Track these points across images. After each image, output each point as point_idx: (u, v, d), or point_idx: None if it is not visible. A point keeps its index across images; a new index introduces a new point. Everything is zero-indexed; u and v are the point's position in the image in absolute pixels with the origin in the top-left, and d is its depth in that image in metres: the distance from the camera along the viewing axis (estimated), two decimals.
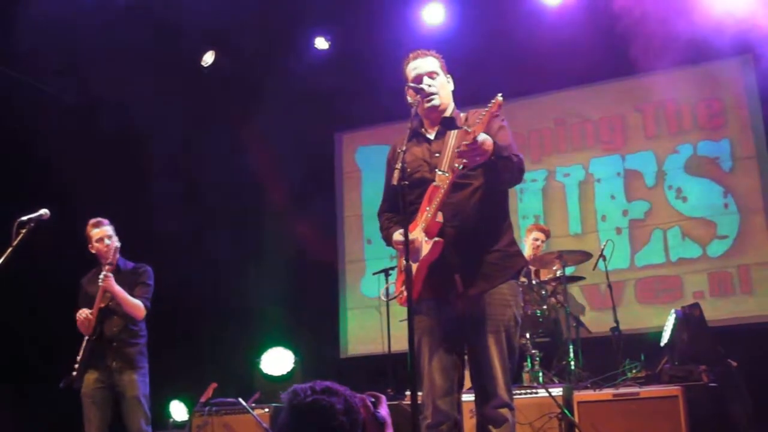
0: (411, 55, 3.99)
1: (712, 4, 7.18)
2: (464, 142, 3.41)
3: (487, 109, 3.48)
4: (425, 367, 3.71)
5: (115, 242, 5.79)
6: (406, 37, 8.14)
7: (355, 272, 9.41)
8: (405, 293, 3.75)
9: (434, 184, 3.70)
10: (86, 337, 5.62)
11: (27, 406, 7.65)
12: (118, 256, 5.78)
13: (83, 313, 5.60)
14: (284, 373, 7.68)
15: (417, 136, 3.94)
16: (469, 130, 3.42)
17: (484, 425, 3.69)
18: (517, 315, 3.78)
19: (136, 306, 5.69)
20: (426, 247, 3.64)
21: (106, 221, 5.85)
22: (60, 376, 5.64)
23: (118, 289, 5.61)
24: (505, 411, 3.66)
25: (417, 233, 3.72)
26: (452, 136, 3.79)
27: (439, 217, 3.64)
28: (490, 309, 3.70)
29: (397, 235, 3.79)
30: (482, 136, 3.44)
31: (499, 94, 3.50)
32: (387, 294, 4.14)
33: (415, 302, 3.76)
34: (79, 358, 5.62)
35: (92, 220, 5.83)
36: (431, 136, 3.91)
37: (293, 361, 7.73)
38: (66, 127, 8.03)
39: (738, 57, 7.90)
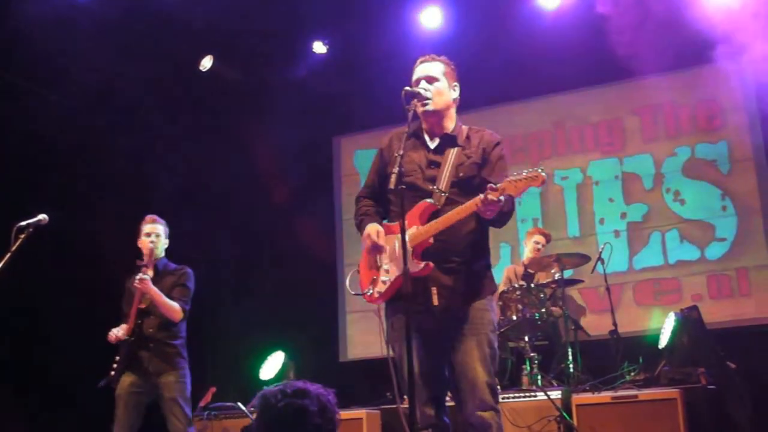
0: (419, 59, 3.98)
1: (709, 7, 7.19)
2: (490, 197, 3.40)
3: (525, 175, 3.42)
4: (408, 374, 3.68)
5: (162, 243, 5.85)
6: (403, 41, 8.14)
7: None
8: (374, 293, 3.78)
9: (429, 201, 3.71)
10: (124, 338, 5.62)
11: (28, 407, 7.66)
12: (161, 256, 5.84)
13: (112, 333, 5.62)
14: (275, 374, 7.66)
15: (417, 137, 3.92)
16: (496, 186, 3.41)
17: (468, 430, 3.68)
18: (493, 319, 3.78)
19: (173, 308, 5.64)
20: (413, 263, 3.62)
21: (161, 221, 5.91)
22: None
23: (155, 291, 5.58)
24: (488, 414, 3.64)
25: (396, 239, 3.71)
26: (451, 155, 3.80)
27: (431, 239, 3.65)
28: (470, 314, 3.72)
29: (371, 228, 3.81)
30: (503, 198, 3.44)
31: (543, 170, 3.43)
32: (350, 284, 4.11)
33: (386, 303, 3.85)
34: (117, 358, 5.61)
35: (149, 216, 5.91)
36: (431, 145, 3.90)
37: (283, 361, 7.71)
38: (64, 132, 8.05)
39: (735, 59, 7.89)
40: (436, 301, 3.67)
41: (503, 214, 3.60)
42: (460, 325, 3.70)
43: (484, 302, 3.77)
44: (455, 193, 3.71)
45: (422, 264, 3.62)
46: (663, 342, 6.57)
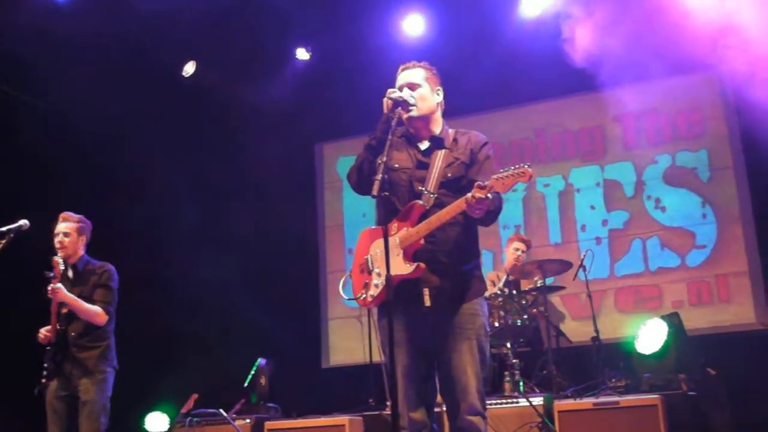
0: (401, 67, 4.00)
1: (690, 17, 7.24)
2: (477, 195, 3.44)
3: (512, 171, 3.46)
4: (399, 379, 3.68)
5: (74, 241, 5.57)
6: (386, 48, 8.16)
7: (336, 282, 9.37)
8: (368, 297, 3.77)
9: (419, 202, 3.73)
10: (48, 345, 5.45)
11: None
12: (80, 255, 5.61)
13: (42, 332, 5.47)
14: (248, 379, 7.60)
15: (407, 139, 3.95)
16: (484, 184, 3.45)
17: None
18: (486, 324, 3.80)
19: (94, 313, 5.45)
20: (403, 265, 3.66)
21: (73, 217, 5.63)
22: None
23: (71, 299, 5.39)
24: (477, 419, 3.66)
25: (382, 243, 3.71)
26: (439, 156, 3.83)
27: (422, 240, 3.68)
28: (461, 318, 3.73)
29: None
30: (491, 196, 3.48)
31: (529, 165, 3.45)
32: (343, 289, 4.12)
33: (377, 307, 3.84)
34: (45, 364, 5.46)
35: (61, 213, 5.64)
36: (422, 146, 3.93)
37: (255, 366, 7.63)
38: (51, 139, 8.04)
39: (715, 68, 7.95)
40: (428, 302, 3.69)
41: (491, 212, 3.62)
42: (452, 329, 3.71)
43: (475, 305, 3.78)
44: (444, 193, 3.74)
45: (413, 266, 3.64)
46: (649, 348, 6.53)
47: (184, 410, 6.98)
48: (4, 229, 4.76)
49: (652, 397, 5.53)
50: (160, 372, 7.98)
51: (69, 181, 8.27)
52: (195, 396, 7.08)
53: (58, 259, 5.48)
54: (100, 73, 7.82)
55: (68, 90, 7.80)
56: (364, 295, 3.81)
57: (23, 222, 4.88)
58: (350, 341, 8.84)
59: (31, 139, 7.92)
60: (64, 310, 5.48)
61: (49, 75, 7.78)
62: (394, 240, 3.70)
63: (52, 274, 5.41)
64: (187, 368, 8.33)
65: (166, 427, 7.35)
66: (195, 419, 6.82)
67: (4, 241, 4.68)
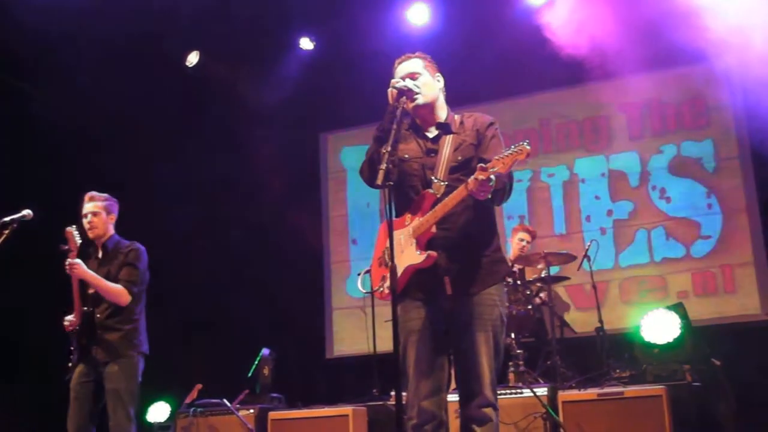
0: (397, 61, 4.00)
1: (697, 7, 7.21)
2: (479, 176, 3.41)
3: (512, 151, 3.44)
4: (411, 368, 3.71)
5: (104, 220, 5.37)
6: (390, 38, 8.14)
7: (341, 272, 9.42)
8: (385, 289, 3.77)
9: (429, 191, 3.73)
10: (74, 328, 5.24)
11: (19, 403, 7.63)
12: (110, 234, 5.41)
13: (67, 320, 5.26)
14: (251, 370, 7.58)
15: (414, 130, 3.95)
16: (486, 165, 3.42)
17: (467, 425, 3.70)
18: (503, 315, 3.80)
19: (116, 292, 5.19)
20: (416, 255, 3.67)
21: (99, 196, 5.42)
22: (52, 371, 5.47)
23: (91, 275, 5.16)
24: (489, 410, 3.67)
25: (401, 233, 3.75)
26: (447, 142, 3.83)
27: (434, 229, 3.68)
28: (479, 309, 3.72)
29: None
30: (494, 177, 3.45)
31: (528, 144, 3.43)
32: (362, 283, 4.14)
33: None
34: (72, 348, 5.29)
35: (87, 194, 5.42)
36: (430, 134, 3.93)
37: (258, 356, 7.61)
38: (54, 128, 8.03)
39: (721, 58, 7.92)
40: (449, 290, 3.71)
41: (498, 191, 3.59)
42: (470, 319, 3.71)
43: (494, 295, 3.76)
44: (456, 178, 3.72)
45: (424, 255, 3.65)
46: (661, 338, 6.46)
47: (188, 400, 6.99)
48: (7, 219, 4.74)
49: (656, 388, 5.52)
50: (164, 362, 7.96)
51: (71, 173, 8.26)
52: (199, 386, 7.08)
53: (72, 229, 5.21)
54: (103, 65, 7.80)
55: (70, 82, 7.80)
56: (381, 288, 3.84)
57: (26, 212, 4.86)
58: (354, 331, 8.84)
59: (35, 131, 7.91)
60: (91, 291, 5.25)
61: (52, 67, 7.77)
62: (408, 230, 3.73)
63: (66, 247, 5.16)
64: (191, 358, 8.34)
65: (169, 417, 7.36)
66: (199, 409, 6.82)
67: (7, 232, 4.66)
